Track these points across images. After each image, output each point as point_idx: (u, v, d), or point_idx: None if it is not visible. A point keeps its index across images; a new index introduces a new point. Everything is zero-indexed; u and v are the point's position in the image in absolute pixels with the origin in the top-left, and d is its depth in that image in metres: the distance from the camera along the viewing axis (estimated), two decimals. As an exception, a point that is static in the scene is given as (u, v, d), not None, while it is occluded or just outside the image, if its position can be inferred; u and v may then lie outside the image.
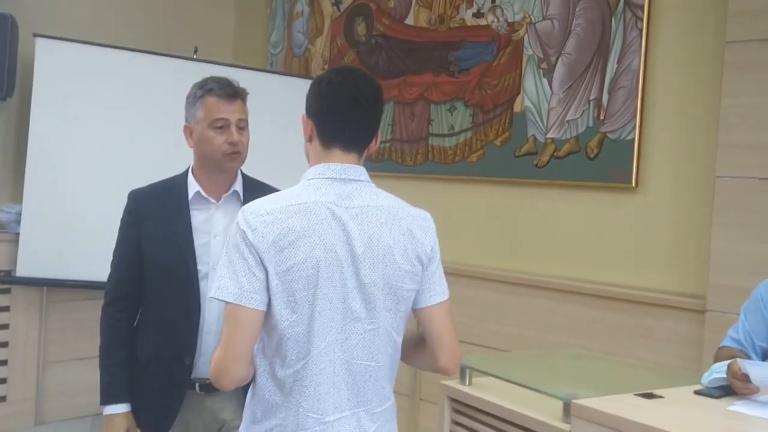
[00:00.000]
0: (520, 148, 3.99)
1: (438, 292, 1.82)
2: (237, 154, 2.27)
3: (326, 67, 5.02)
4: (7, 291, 4.48)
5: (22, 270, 4.39)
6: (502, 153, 4.06)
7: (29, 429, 4.59)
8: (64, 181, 4.42)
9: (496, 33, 4.11)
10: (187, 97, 2.31)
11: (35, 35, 4.38)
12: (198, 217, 2.28)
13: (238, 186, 2.33)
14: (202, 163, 2.30)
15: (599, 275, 3.66)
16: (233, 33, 5.62)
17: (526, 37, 3.98)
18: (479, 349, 3.85)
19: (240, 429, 1.79)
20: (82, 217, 4.36)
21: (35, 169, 4.37)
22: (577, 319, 3.57)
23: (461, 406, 2.33)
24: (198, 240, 2.26)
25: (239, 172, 2.37)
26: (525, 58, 3.98)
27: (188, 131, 2.31)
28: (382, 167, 4.61)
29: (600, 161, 3.68)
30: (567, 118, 3.80)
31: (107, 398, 2.29)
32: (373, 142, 1.81)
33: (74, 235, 4.37)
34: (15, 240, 4.40)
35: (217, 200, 2.31)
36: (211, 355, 1.73)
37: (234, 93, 2.27)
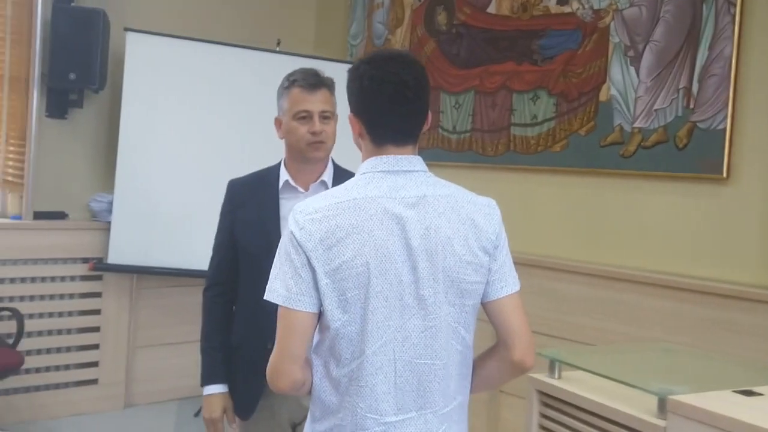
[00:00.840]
0: (605, 138, 3.90)
1: (509, 282, 1.72)
2: (320, 143, 2.29)
3: (407, 57, 5.00)
4: (99, 278, 4.67)
5: (113, 257, 4.55)
6: (587, 143, 3.98)
7: (119, 411, 4.77)
8: (152, 172, 4.56)
9: (581, 20, 4.03)
10: (277, 90, 2.36)
11: (125, 29, 4.52)
12: (287, 206, 2.31)
13: (327, 176, 2.36)
14: (290, 153, 2.35)
15: (686, 268, 3.56)
16: (314, 25, 5.66)
17: (612, 24, 3.89)
18: (562, 342, 3.80)
19: (305, 427, 1.77)
20: (170, 206, 4.48)
21: (125, 159, 4.52)
22: (662, 313, 3.48)
23: (550, 400, 2.30)
24: (285, 228, 2.30)
25: (330, 161, 2.39)
26: (611, 46, 3.89)
27: (278, 123, 2.36)
28: (461, 157, 4.59)
29: (689, 151, 3.57)
30: (655, 107, 3.70)
31: (206, 379, 2.37)
32: (425, 125, 1.74)
33: (162, 223, 4.51)
34: (107, 228, 4.58)
35: (306, 189, 2.34)
36: None
37: (317, 83, 2.28)
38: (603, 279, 3.76)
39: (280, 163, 2.40)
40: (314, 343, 1.70)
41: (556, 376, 2.33)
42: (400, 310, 1.61)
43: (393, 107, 1.67)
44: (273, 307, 2.26)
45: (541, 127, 4.21)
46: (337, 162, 2.45)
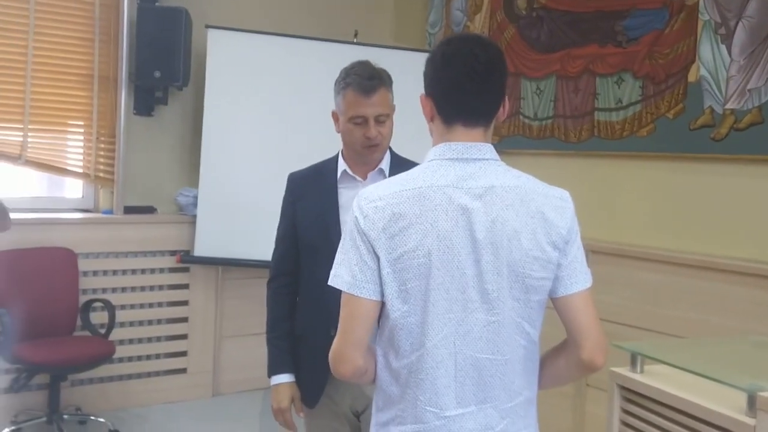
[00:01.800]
0: (695, 121, 3.73)
1: (579, 279, 1.63)
2: (376, 146, 2.28)
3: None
4: (186, 270, 4.79)
5: (199, 250, 4.66)
6: (676, 126, 3.82)
7: (207, 400, 4.89)
8: (235, 166, 4.64)
9: (667, -1, 3.86)
10: (334, 84, 2.33)
11: (207, 26, 4.61)
12: (345, 196, 2.32)
13: (384, 164, 2.35)
14: (347, 149, 2.36)
15: (782, 256, 3.38)
16: (393, 14, 5.63)
17: (701, 1, 3.71)
18: (649, 334, 3.67)
19: (372, 416, 1.76)
20: (252, 199, 4.55)
21: (209, 154, 4.62)
22: (754, 304, 3.30)
23: (632, 395, 2.21)
24: (344, 217, 2.29)
25: (387, 149, 2.38)
26: (700, 24, 3.71)
27: (335, 117, 2.35)
28: (543, 144, 4.48)
29: (787, 133, 3.37)
30: (748, 87, 3.51)
31: (273, 369, 2.38)
32: (501, 110, 1.67)
33: (245, 216, 4.59)
34: (193, 222, 4.69)
35: (364, 178, 2.34)
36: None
37: (372, 87, 2.23)
38: (692, 268, 3.61)
39: (338, 154, 2.40)
40: (374, 333, 1.69)
41: (638, 370, 2.23)
42: (462, 304, 1.57)
43: (463, 82, 1.61)
44: (335, 295, 2.26)
45: (626, 111, 4.07)
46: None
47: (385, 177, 2.31)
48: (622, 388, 2.24)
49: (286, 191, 2.45)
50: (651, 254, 3.80)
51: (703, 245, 3.69)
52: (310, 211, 2.35)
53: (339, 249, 1.65)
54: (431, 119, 1.69)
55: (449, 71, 1.62)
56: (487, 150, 1.64)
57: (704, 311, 3.50)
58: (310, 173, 2.43)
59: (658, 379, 2.17)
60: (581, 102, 4.30)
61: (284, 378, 2.36)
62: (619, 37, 4.10)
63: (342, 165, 2.36)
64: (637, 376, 2.22)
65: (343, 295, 1.63)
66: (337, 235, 2.25)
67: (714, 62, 3.66)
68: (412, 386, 1.61)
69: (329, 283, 1.64)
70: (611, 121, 4.14)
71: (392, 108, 2.33)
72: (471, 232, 1.56)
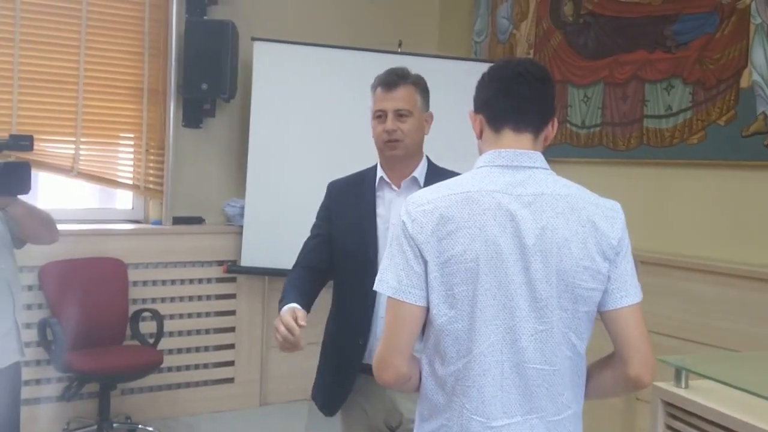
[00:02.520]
0: (747, 128, 3.62)
1: (630, 292, 1.62)
2: (395, 141, 2.29)
3: (531, 51, 4.87)
4: (233, 279, 4.84)
5: (246, 260, 4.70)
6: (727, 133, 3.71)
7: (254, 409, 4.92)
8: (281, 176, 4.67)
9: (717, 2, 3.76)
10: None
11: (253, 39, 4.66)
12: (381, 205, 2.35)
13: (418, 172, 2.35)
14: (378, 152, 2.39)
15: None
16: (438, 24, 5.62)
17: (753, 4, 3.61)
18: (701, 347, 3.56)
19: (414, 426, 1.75)
20: (299, 209, 4.53)
21: (255, 165, 4.67)
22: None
23: (676, 411, 2.15)
24: (379, 227, 2.32)
25: (424, 158, 2.39)
26: (752, 28, 3.60)
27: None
28: (592, 153, 4.41)
29: (844, 139, 3.25)
30: (803, 92, 3.40)
31: (281, 304, 2.24)
32: (550, 127, 1.69)
33: (292, 227, 4.56)
34: (240, 232, 4.73)
35: (398, 186, 2.34)
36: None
37: (395, 82, 2.29)
38: (746, 279, 3.50)
39: (377, 163, 2.42)
40: (419, 340, 1.68)
41: (683, 385, 2.17)
42: (510, 311, 1.56)
43: (511, 88, 1.65)
44: (365, 303, 2.24)
45: (676, 118, 3.97)
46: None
47: (419, 186, 2.31)
48: (666, 403, 2.18)
49: (325, 198, 2.49)
50: (702, 265, 3.70)
51: (757, 255, 3.57)
52: (347, 218, 2.37)
53: (385, 254, 1.66)
54: (480, 135, 1.71)
55: (498, 80, 1.68)
56: (537, 158, 1.64)
57: (759, 324, 3.38)
58: (349, 181, 2.47)
59: (703, 395, 2.10)
60: (630, 109, 4.22)
61: (286, 305, 2.20)
62: (668, 42, 4.01)
63: (380, 172, 2.38)
64: (681, 392, 2.15)
65: (388, 301, 1.63)
66: (372, 242, 2.29)
67: (767, 66, 3.55)
68: (459, 394, 1.60)
69: (375, 288, 1.64)
70: (660, 129, 4.05)
71: (419, 108, 2.33)
72: (520, 238, 1.56)
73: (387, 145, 2.30)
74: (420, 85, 2.35)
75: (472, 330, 1.56)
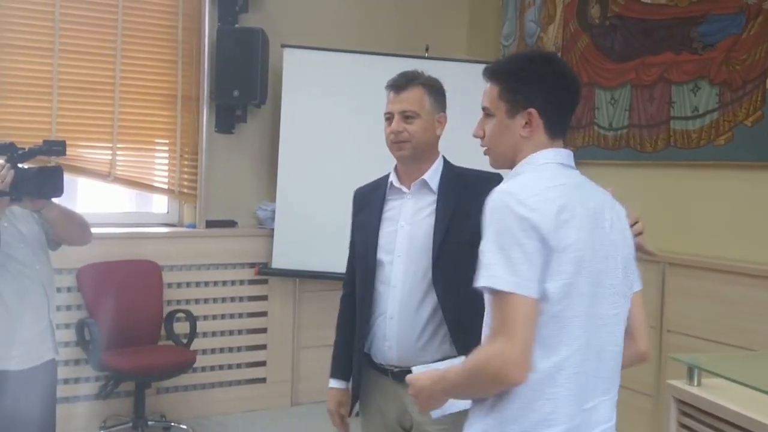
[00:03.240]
0: (774, 128, 3.60)
1: (639, 278, 1.79)
2: (402, 143, 2.31)
3: (559, 54, 4.88)
4: (265, 282, 4.93)
5: (277, 262, 4.80)
6: (754, 134, 3.69)
7: (286, 409, 5.01)
8: (311, 180, 4.76)
9: (744, 2, 3.74)
10: None
11: (282, 46, 4.76)
12: (390, 207, 2.38)
13: (429, 175, 2.35)
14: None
15: None
16: (467, 27, 5.66)
17: (779, 4, 3.59)
18: (727, 348, 3.55)
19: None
20: (329, 213, 4.65)
21: (286, 169, 4.76)
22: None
23: (689, 408, 2.17)
24: (386, 228, 2.35)
25: (439, 159, 2.39)
26: (779, 28, 3.59)
27: None
28: (619, 155, 4.41)
29: None
30: (830, 92, 3.37)
31: (331, 373, 2.50)
32: None
33: (321, 229, 4.69)
34: (271, 235, 4.83)
35: (408, 189, 2.37)
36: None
37: (402, 84, 2.31)
38: (774, 281, 3.47)
39: (393, 168, 2.46)
40: None
41: (695, 383, 2.19)
42: (599, 298, 1.64)
43: (575, 107, 1.77)
44: (369, 306, 2.32)
45: (703, 119, 3.96)
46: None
47: (430, 189, 2.34)
48: (679, 401, 2.20)
49: (352, 207, 2.55)
50: (729, 266, 3.69)
51: (787, 257, 3.55)
52: (362, 224, 2.44)
53: (487, 250, 1.59)
54: (529, 130, 1.72)
55: (571, 95, 1.76)
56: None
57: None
58: (370, 187, 2.52)
59: (714, 393, 2.12)
60: (656, 111, 4.21)
61: (334, 383, 2.48)
62: (694, 43, 4.00)
63: (392, 176, 2.41)
64: (693, 389, 2.18)
65: (502, 298, 1.55)
66: (373, 246, 2.33)
67: (794, 66, 3.53)
68: (565, 383, 1.59)
69: (486, 285, 1.56)
70: (687, 130, 4.04)
71: (428, 110, 2.33)
72: (602, 229, 1.66)
73: (394, 145, 2.33)
74: (431, 86, 2.35)
75: (581, 317, 1.59)
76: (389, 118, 2.34)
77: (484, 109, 1.80)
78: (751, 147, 3.71)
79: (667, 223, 4.04)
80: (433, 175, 2.36)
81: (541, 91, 1.71)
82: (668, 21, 4.15)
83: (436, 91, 2.36)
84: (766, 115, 3.64)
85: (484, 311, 2.13)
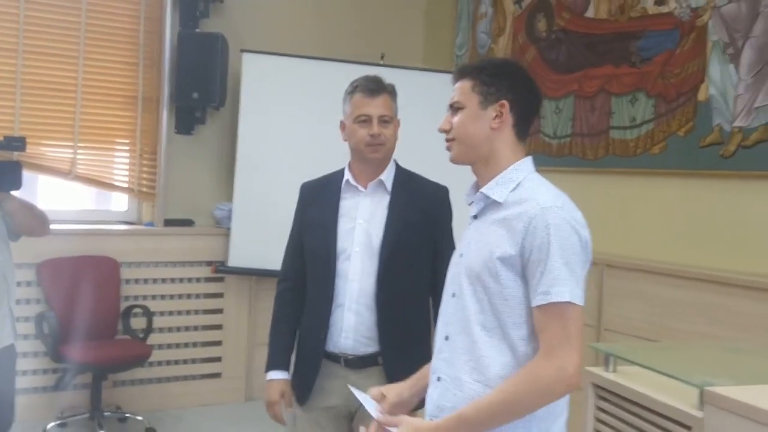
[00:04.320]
0: (704, 139, 3.82)
1: None
2: (379, 146, 2.42)
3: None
4: (221, 279, 5.05)
5: (234, 261, 4.92)
6: (686, 144, 3.91)
7: (240, 404, 5.13)
8: (267, 181, 4.89)
9: (678, 20, 3.97)
10: (343, 96, 2.51)
11: (242, 50, 4.90)
12: (346, 205, 2.48)
13: (385, 176, 2.48)
14: (353, 154, 2.51)
15: (791, 270, 3.43)
16: (422, 37, 5.85)
17: (710, 22, 3.81)
18: (657, 344, 3.75)
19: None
20: (284, 213, 4.72)
21: (243, 170, 4.89)
22: (766, 318, 3.37)
23: (605, 393, 2.35)
24: (344, 225, 2.46)
25: (393, 162, 2.53)
26: (709, 44, 3.81)
27: (342, 126, 2.52)
28: (563, 162, 4.61)
29: (792, 149, 3.45)
30: (755, 105, 3.59)
31: (268, 366, 2.56)
32: None
33: (277, 229, 4.73)
34: (228, 234, 4.95)
35: (365, 188, 2.48)
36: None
37: (377, 89, 2.42)
38: (704, 283, 3.66)
39: (346, 165, 2.55)
40: None
41: (611, 369, 2.37)
42: None
43: (537, 103, 1.88)
44: (325, 298, 2.41)
45: (639, 129, 4.18)
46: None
47: (385, 189, 2.47)
48: (596, 386, 2.38)
49: (298, 199, 2.63)
50: (664, 269, 3.85)
51: (715, 260, 3.74)
52: (314, 218, 2.52)
53: (558, 265, 1.67)
54: (499, 126, 1.82)
55: (538, 97, 1.87)
56: None
57: (716, 325, 3.53)
58: (319, 182, 2.61)
59: (628, 378, 2.30)
60: (597, 120, 4.43)
61: (276, 374, 2.53)
62: (633, 57, 4.22)
63: (347, 175, 2.50)
64: (610, 376, 2.35)
65: (569, 310, 1.66)
66: (333, 241, 2.42)
67: (722, 81, 3.75)
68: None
69: (569, 300, 1.66)
70: (625, 139, 4.25)
71: (395, 115, 2.48)
72: None
73: (370, 148, 2.42)
74: (394, 94, 2.49)
75: None
76: (365, 120, 2.40)
77: (453, 104, 1.85)
78: (684, 156, 3.92)
79: (606, 227, 4.24)
80: (388, 175, 2.49)
81: (512, 87, 1.81)
82: (609, 36, 4.37)
83: (396, 97, 2.50)
84: (697, 126, 3.86)
85: (415, 312, 2.41)
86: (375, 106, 2.41)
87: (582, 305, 1.68)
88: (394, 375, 2.38)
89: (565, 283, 1.65)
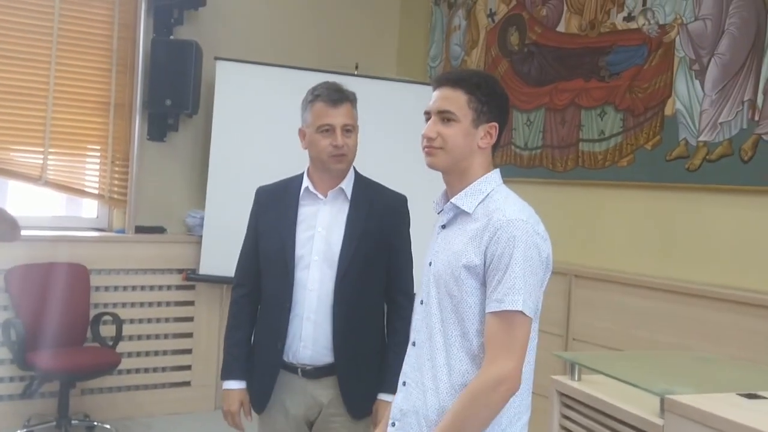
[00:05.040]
0: (671, 152, 3.90)
1: None
2: (342, 156, 2.41)
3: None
4: (192, 287, 5.03)
5: (205, 269, 4.90)
6: (653, 157, 3.99)
7: (210, 412, 5.10)
8: (240, 189, 4.83)
9: (647, 36, 4.06)
10: (301, 103, 2.48)
11: (216, 58, 4.90)
12: (304, 213, 2.46)
13: (345, 184, 2.47)
14: (313, 163, 2.48)
15: (754, 283, 3.49)
16: (396, 48, 5.90)
17: (677, 38, 3.90)
18: (623, 353, 3.80)
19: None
20: (256, 221, 4.78)
21: (216, 178, 4.88)
22: (731, 328, 3.42)
23: (569, 401, 2.39)
24: (303, 233, 2.43)
25: (352, 170, 2.51)
26: (676, 60, 3.90)
27: (302, 134, 2.49)
28: (533, 173, 4.67)
29: (755, 164, 3.53)
30: (720, 120, 3.68)
31: (225, 374, 2.52)
32: None
33: (249, 237, 4.81)
34: (199, 242, 4.94)
35: (324, 196, 2.46)
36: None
37: (340, 98, 2.39)
38: (670, 293, 3.73)
39: (303, 172, 2.53)
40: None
41: (576, 378, 2.41)
42: None
43: (507, 121, 1.94)
44: (282, 307, 2.39)
45: (608, 142, 4.25)
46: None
47: (346, 197, 2.46)
48: (561, 394, 2.42)
49: (253, 204, 2.58)
50: (631, 279, 3.92)
51: (681, 271, 3.80)
52: (271, 225, 2.47)
53: (515, 275, 1.73)
54: (485, 144, 1.88)
55: (508, 113, 1.94)
56: None
57: (681, 335, 3.60)
58: (276, 188, 2.57)
59: (592, 387, 2.34)
60: (567, 133, 4.50)
61: (234, 384, 2.49)
62: (602, 72, 4.30)
63: (305, 182, 2.48)
64: (574, 384, 2.39)
65: (516, 319, 1.73)
66: (291, 249, 2.40)
67: (689, 97, 3.83)
68: (526, 380, 1.85)
69: (520, 309, 1.72)
70: (594, 152, 4.32)
71: (356, 124, 2.46)
72: None
73: (334, 158, 2.39)
74: (355, 101, 2.46)
75: (535, 322, 1.83)
76: (327, 130, 2.37)
77: (444, 112, 1.86)
78: (651, 169, 4.00)
79: (575, 238, 4.31)
80: (348, 184, 2.48)
81: (500, 110, 1.89)
82: (579, 50, 4.44)
83: (355, 104, 2.46)
84: (664, 140, 3.94)
85: (372, 321, 2.43)
86: (338, 116, 2.38)
87: (531, 317, 1.75)
88: (349, 385, 2.42)
89: (519, 293, 1.72)
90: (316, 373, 2.43)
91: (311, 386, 2.44)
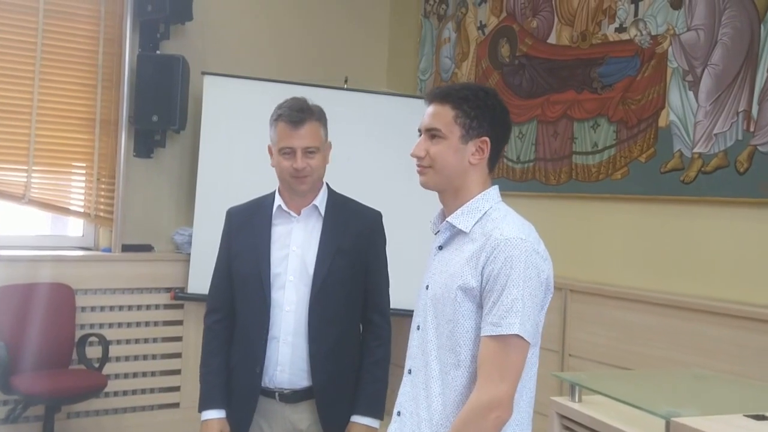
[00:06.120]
0: (665, 164, 3.86)
1: None
2: (304, 177, 2.35)
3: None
4: (181, 306, 4.94)
5: (194, 287, 4.81)
6: (647, 169, 3.95)
7: (199, 434, 4.99)
8: (229, 206, 4.79)
9: (639, 47, 4.02)
10: (269, 120, 2.44)
11: (203, 73, 4.84)
12: (278, 231, 2.40)
13: (318, 200, 2.42)
14: (280, 182, 2.44)
15: (750, 296, 3.45)
16: (386, 62, 5.85)
17: (670, 49, 3.87)
18: (624, 372, 3.74)
19: None
20: (245, 238, 4.70)
21: (204, 195, 4.80)
22: (727, 343, 3.38)
23: (570, 423, 2.32)
24: (277, 252, 2.38)
25: (324, 186, 2.46)
26: (669, 71, 3.86)
27: (270, 151, 2.45)
28: (526, 187, 4.62)
29: (750, 176, 3.48)
30: (714, 132, 3.64)
31: (203, 405, 2.44)
32: None
33: (238, 255, 4.73)
34: (187, 260, 4.85)
35: (298, 214, 2.41)
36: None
37: (301, 119, 2.33)
38: (665, 307, 3.69)
39: (275, 190, 2.48)
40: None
41: (576, 399, 2.34)
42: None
43: (508, 135, 1.89)
44: (260, 330, 2.31)
45: (601, 154, 4.20)
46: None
47: (319, 214, 2.40)
48: (561, 416, 2.35)
49: (224, 225, 2.52)
50: (626, 293, 3.88)
51: (676, 284, 3.76)
52: (244, 245, 2.41)
53: (514, 297, 1.66)
54: (478, 160, 1.82)
55: (511, 126, 1.88)
56: None
57: (678, 350, 3.56)
58: (247, 208, 2.52)
59: (593, 408, 2.28)
60: (560, 146, 4.45)
61: (214, 413, 2.41)
62: (594, 83, 4.26)
63: (278, 200, 2.42)
64: (575, 405, 2.32)
65: (519, 343, 1.66)
66: (266, 269, 2.33)
67: (682, 108, 3.79)
68: (525, 408, 1.81)
69: (517, 333, 1.64)
70: (587, 165, 4.27)
71: (324, 143, 2.40)
72: None
73: (296, 180, 2.34)
74: (322, 118, 2.41)
75: (535, 347, 1.78)
76: (288, 153, 2.33)
77: (431, 129, 1.81)
78: (645, 181, 3.95)
79: (569, 252, 4.25)
80: (321, 201, 2.43)
81: (493, 123, 1.81)
82: (571, 62, 4.40)
83: (325, 121, 2.41)
84: (658, 152, 3.89)
85: (348, 341, 2.36)
86: (299, 138, 2.32)
87: (529, 342, 1.67)
88: (326, 409, 2.36)
89: (516, 316, 1.65)
90: (293, 396, 2.38)
91: (289, 411, 2.39)
